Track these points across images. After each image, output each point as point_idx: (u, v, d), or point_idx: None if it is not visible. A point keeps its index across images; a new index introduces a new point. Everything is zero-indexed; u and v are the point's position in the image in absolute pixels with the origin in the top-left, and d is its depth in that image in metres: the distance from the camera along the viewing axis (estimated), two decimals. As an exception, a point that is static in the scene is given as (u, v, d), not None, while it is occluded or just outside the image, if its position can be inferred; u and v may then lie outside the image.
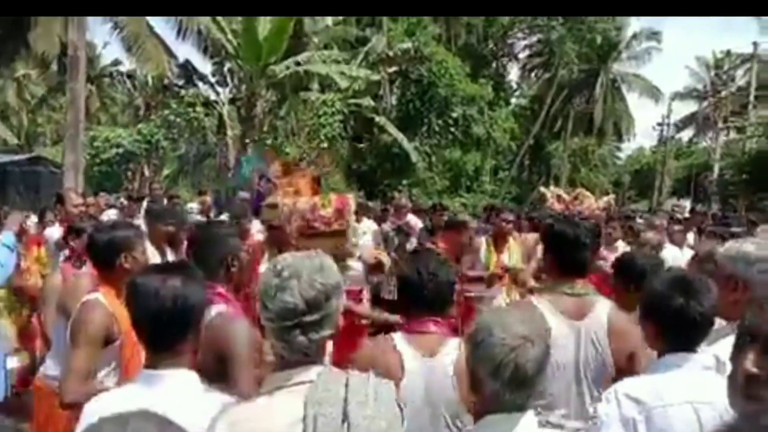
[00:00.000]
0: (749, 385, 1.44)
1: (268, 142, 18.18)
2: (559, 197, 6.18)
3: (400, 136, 19.18)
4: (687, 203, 27.05)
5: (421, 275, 2.28)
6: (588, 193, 6.42)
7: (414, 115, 21.36)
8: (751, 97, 28.21)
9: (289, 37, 15.84)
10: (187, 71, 19.29)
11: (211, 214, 8.51)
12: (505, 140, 24.12)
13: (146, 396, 1.64)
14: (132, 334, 2.34)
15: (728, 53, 35.59)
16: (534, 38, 29.59)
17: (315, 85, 18.55)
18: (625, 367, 2.49)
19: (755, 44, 29.48)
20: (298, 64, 16.22)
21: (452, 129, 21.33)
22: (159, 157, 18.11)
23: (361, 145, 21.36)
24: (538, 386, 1.58)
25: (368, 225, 7.18)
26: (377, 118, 19.52)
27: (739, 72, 35.03)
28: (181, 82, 19.41)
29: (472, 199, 21.68)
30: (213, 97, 19.23)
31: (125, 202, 7.98)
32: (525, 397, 1.59)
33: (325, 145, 17.89)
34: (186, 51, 54.74)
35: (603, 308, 2.56)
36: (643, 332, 2.12)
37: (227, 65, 19.03)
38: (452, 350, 2.27)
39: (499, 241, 5.53)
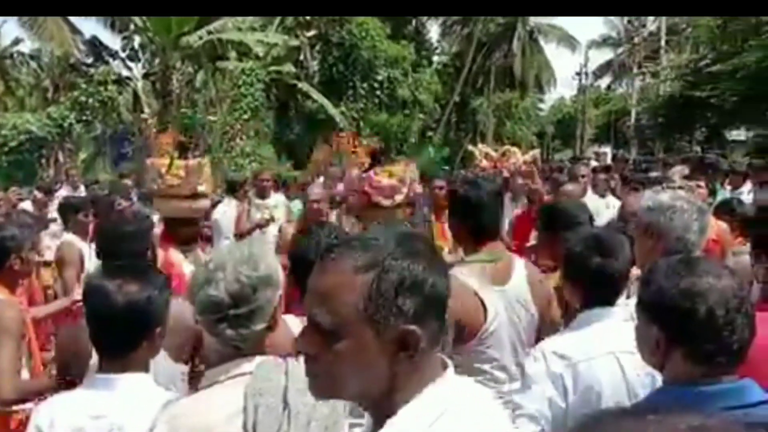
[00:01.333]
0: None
1: (188, 114, 17.63)
2: (486, 155, 6.26)
3: (326, 102, 18.93)
4: (608, 149, 28.09)
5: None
6: (515, 149, 6.50)
7: (338, 80, 21.10)
8: (662, 42, 29.24)
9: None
10: (95, 48, 18.38)
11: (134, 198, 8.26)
12: (431, 101, 24.21)
13: (98, 401, 1.62)
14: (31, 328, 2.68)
15: (638, -1, 36.64)
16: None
17: (232, 54, 17.98)
18: (545, 314, 2.58)
19: (662, -10, 30.42)
20: (211, 33, 15.64)
21: (377, 92, 21.22)
22: (73, 141, 17.24)
23: (287, 114, 21.02)
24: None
25: (281, 199, 7.05)
26: (300, 85, 19.18)
27: (650, 18, 36.20)
28: (89, 60, 18.47)
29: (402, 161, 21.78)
30: (125, 73, 18.41)
31: (38, 195, 7.58)
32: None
33: (248, 115, 17.47)
34: (91, 27, 51.47)
35: (521, 268, 2.58)
36: (565, 289, 2.21)
37: (137, 39, 18.19)
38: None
39: (438, 211, 5.38)
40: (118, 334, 1.66)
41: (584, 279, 2.08)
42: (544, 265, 2.87)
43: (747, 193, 6.66)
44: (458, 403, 1.01)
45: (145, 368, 1.72)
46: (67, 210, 4.57)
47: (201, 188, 3.51)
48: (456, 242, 2.73)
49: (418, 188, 3.95)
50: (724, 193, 4.71)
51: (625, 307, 2.10)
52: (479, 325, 2.35)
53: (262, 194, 6.67)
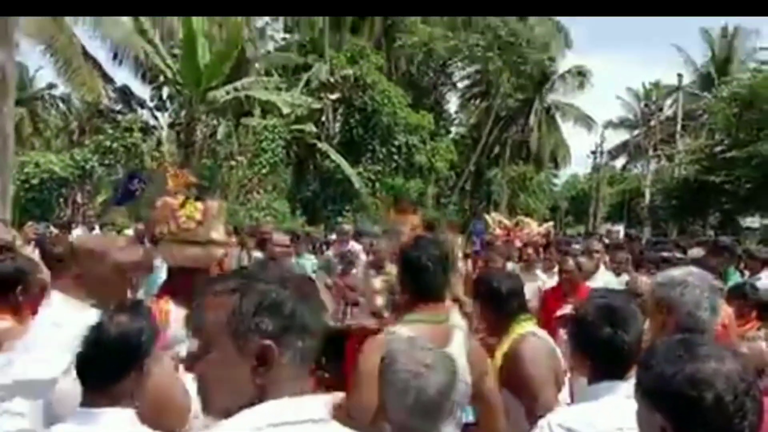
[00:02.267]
0: None
1: (208, 164, 17.94)
2: (500, 223, 6.29)
3: (343, 163, 19.24)
4: (621, 228, 28.07)
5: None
6: (528, 220, 6.56)
7: (357, 142, 21.51)
8: (678, 127, 29.63)
9: (232, 63, 15.78)
10: (125, 96, 18.92)
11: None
12: (446, 169, 24.54)
13: None
14: None
15: (657, 85, 37.40)
16: (472, 68, 30.38)
17: (257, 111, 18.45)
18: (480, 386, 2.49)
19: (680, 76, 31.10)
20: (237, 90, 16.11)
21: (395, 157, 21.55)
22: (93, 184, 17.54)
23: (304, 172, 21.34)
24: (444, 414, 1.63)
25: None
26: (320, 144, 19.55)
27: (668, 102, 36.81)
28: (118, 107, 19.01)
29: (416, 225, 21.87)
30: (152, 122, 18.89)
31: (54, 231, 7.68)
32: (431, 425, 1.63)
33: (267, 170, 17.76)
34: (124, 76, 53.54)
35: (460, 334, 2.51)
36: (572, 361, 2.17)
37: (166, 90, 18.75)
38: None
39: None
40: (107, 364, 1.68)
41: (593, 350, 2.03)
42: None
43: (765, 279, 6.61)
44: (289, 420, 1.08)
45: (131, 403, 1.71)
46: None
47: (216, 235, 3.14)
48: (406, 302, 2.60)
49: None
50: (736, 277, 4.68)
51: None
52: None
53: (263, 248, 6.27)
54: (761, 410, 1.30)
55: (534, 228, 6.10)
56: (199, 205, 3.17)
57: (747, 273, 7.00)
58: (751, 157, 18.37)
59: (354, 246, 7.76)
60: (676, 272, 2.28)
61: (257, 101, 17.41)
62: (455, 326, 2.53)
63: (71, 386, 1.74)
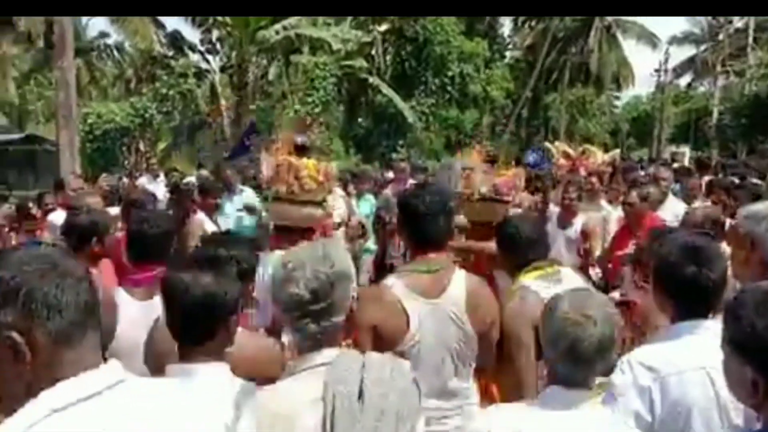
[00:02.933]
0: None
1: (261, 105, 18.04)
2: (565, 153, 6.07)
3: (395, 97, 18.96)
4: (686, 149, 27.00)
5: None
6: (594, 149, 6.31)
7: (410, 75, 21.12)
8: (750, 39, 27.84)
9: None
10: (176, 41, 19.01)
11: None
12: (502, 97, 23.91)
13: (179, 389, 1.64)
14: None
15: (725, -7, 34.99)
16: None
17: (306, 49, 18.27)
18: (485, 335, 2.44)
19: (752, -16, 28.93)
20: (286, 28, 15.92)
21: (449, 88, 21.10)
22: (153, 131, 17.96)
23: (356, 108, 21.19)
24: (597, 365, 1.67)
25: (338, 192, 6.65)
26: (371, 79, 19.29)
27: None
28: (171, 53, 19.15)
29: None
30: (204, 66, 18.99)
31: (126, 181, 7.92)
32: (583, 375, 1.68)
33: (319, 108, 17.73)
34: (174, 22, 53.72)
35: (458, 282, 2.43)
36: (655, 300, 2.12)
37: (215, 33, 18.72)
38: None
39: None
40: (196, 324, 1.75)
41: (677, 289, 1.98)
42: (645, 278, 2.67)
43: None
44: (77, 401, 1.08)
45: (223, 357, 1.78)
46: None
47: (331, 197, 3.38)
48: (408, 250, 2.63)
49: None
50: None
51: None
52: (400, 335, 2.31)
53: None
54: None
55: (599, 156, 5.88)
56: (320, 166, 3.28)
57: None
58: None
59: (411, 183, 7.71)
60: (762, 206, 2.20)
61: (306, 38, 17.21)
62: (454, 273, 2.46)
63: None
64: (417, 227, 2.46)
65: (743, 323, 1.33)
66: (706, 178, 7.71)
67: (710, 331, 1.96)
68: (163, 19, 19.82)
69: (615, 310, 1.73)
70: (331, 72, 17.78)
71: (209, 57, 19.37)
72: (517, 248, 2.74)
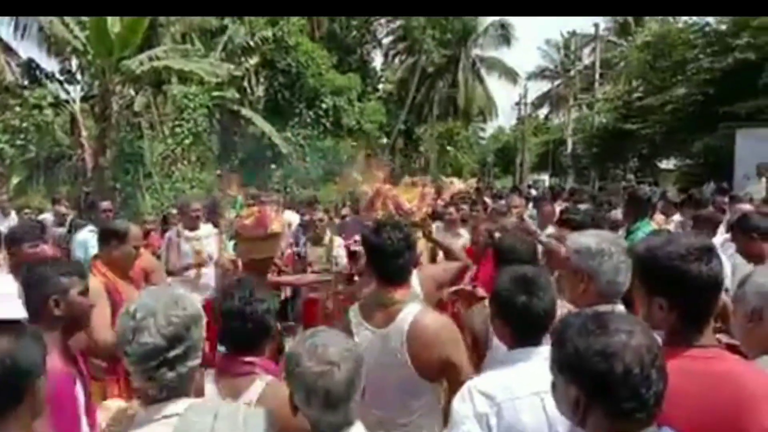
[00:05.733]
0: None
1: (128, 137, 17.21)
2: (423, 196, 6.25)
3: (269, 128, 18.84)
4: (546, 177, 28.93)
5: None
6: (451, 180, 6.53)
7: (283, 106, 21.06)
8: (597, 75, 30.48)
9: (144, 29, 15.02)
10: (31, 70, 17.76)
11: (68, 221, 7.99)
12: (376, 129, 24.46)
13: None
14: None
15: (574, 33, 38.22)
16: (395, 24, 30.16)
17: (174, 78, 17.73)
18: (424, 360, 2.49)
19: (596, 26, 31.85)
20: (152, 59, 15.39)
21: (323, 120, 21.28)
22: (5, 166, 16.56)
23: (230, 140, 20.78)
24: (351, 403, 1.64)
25: (210, 229, 6.43)
26: (243, 111, 19.05)
27: (585, 51, 37.75)
28: (25, 83, 17.85)
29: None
30: (63, 95, 17.85)
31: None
32: (342, 416, 1.64)
33: (190, 140, 17.22)
34: (28, 49, 50.29)
35: (407, 316, 2.53)
36: (494, 328, 2.26)
37: (75, 62, 17.71)
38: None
39: None
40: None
41: (510, 318, 2.13)
42: None
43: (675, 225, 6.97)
44: None
45: (29, 425, 1.61)
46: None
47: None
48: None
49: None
50: (646, 225, 4.85)
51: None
52: None
53: (192, 226, 6.11)
54: (665, 380, 1.39)
55: (456, 186, 6.12)
56: (417, 190, 3.75)
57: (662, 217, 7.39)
58: (664, 104, 19.13)
59: (286, 216, 7.66)
60: (592, 241, 2.32)
61: (174, 70, 16.71)
62: (408, 308, 2.55)
63: None
64: (382, 264, 2.60)
65: (567, 346, 1.42)
66: (560, 204, 8.32)
67: (542, 356, 2.11)
68: (18, 46, 18.50)
69: (352, 344, 1.72)
70: (202, 103, 17.37)
71: (69, 87, 18.26)
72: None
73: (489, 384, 2.05)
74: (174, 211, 9.14)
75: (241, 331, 2.11)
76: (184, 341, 1.59)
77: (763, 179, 11.92)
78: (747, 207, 6.58)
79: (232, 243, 5.37)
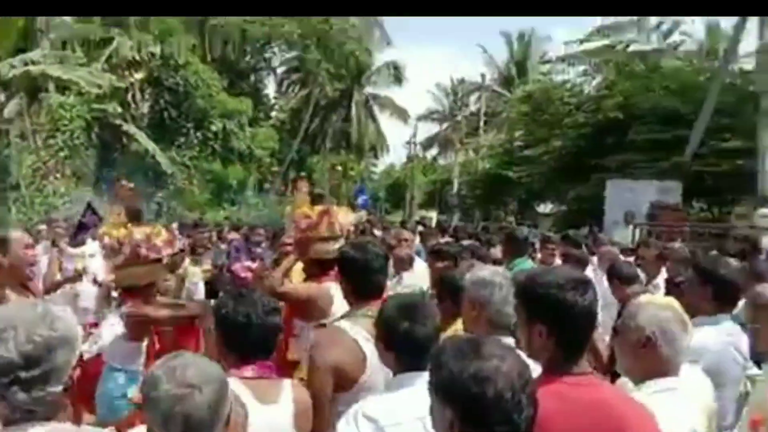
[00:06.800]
0: None
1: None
2: (306, 214, 6.18)
3: (152, 146, 18.10)
4: (434, 214, 29.83)
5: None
6: (337, 208, 6.53)
7: (169, 125, 20.40)
8: (481, 122, 32.12)
9: (19, 32, 14.06)
10: None
11: None
12: (267, 156, 24.25)
13: None
14: None
15: (462, 81, 40.13)
16: (290, 54, 30.27)
17: (51, 86, 16.67)
18: None
19: (483, 76, 33.66)
20: (28, 63, 14.40)
21: (211, 142, 20.80)
22: None
23: (110, 155, 19.74)
24: (215, 428, 1.51)
25: (96, 247, 6.30)
26: (126, 126, 18.19)
27: (473, 98, 39.72)
28: None
29: (237, 212, 21.33)
30: None
31: None
32: None
33: (65, 153, 16.18)
34: None
35: None
36: (379, 355, 2.26)
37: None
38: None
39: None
40: None
41: (394, 343, 2.14)
42: None
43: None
44: None
45: None
46: None
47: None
48: (347, 299, 2.83)
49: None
50: (525, 263, 5.12)
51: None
52: (359, 374, 2.47)
53: (75, 243, 5.88)
54: (536, 404, 1.41)
55: (343, 216, 6.11)
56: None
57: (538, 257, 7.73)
58: (542, 154, 20.44)
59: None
60: (486, 273, 2.53)
61: (51, 78, 15.72)
62: None
63: None
64: (363, 280, 2.73)
65: (443, 369, 1.43)
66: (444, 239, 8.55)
67: (426, 381, 2.12)
68: None
69: (216, 367, 1.61)
70: (79, 114, 16.42)
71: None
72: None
73: (373, 408, 2.05)
74: (43, 226, 8.52)
75: (264, 338, 2.19)
76: (43, 363, 1.45)
77: (630, 226, 12.90)
78: (610, 248, 7.09)
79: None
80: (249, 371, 2.16)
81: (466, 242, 7.23)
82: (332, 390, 2.45)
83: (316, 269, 3.64)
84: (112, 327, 3.39)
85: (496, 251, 7.53)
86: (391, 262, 5.67)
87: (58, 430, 1.50)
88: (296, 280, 4.11)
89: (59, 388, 1.49)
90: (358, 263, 2.75)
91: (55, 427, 1.50)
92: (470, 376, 1.37)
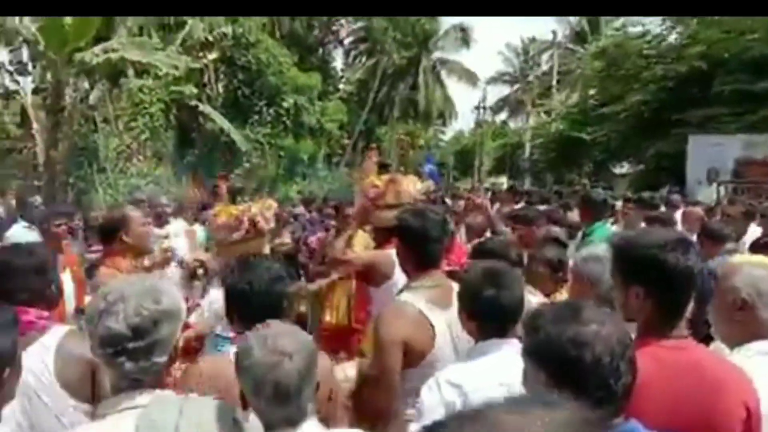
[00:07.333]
0: None
1: (82, 130, 16.76)
2: (373, 184, 6.21)
3: (227, 125, 18.58)
4: (504, 180, 29.33)
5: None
6: (403, 177, 6.51)
7: (243, 103, 20.80)
8: (554, 82, 31.06)
9: (99, 22, 14.62)
10: (-22, 59, 17.12)
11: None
12: (336, 129, 24.40)
13: None
14: None
15: (533, 39, 38.86)
16: (357, 25, 30.17)
17: (131, 72, 17.32)
18: None
19: (554, 33, 32.46)
20: (108, 51, 15.00)
21: (284, 118, 21.11)
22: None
23: (187, 136, 20.42)
24: (303, 397, 1.58)
25: (181, 226, 6.28)
26: (201, 107, 18.73)
27: (545, 57, 38.43)
28: (-28, 73, 17.20)
29: (308, 186, 21.70)
30: (12, 87, 17.25)
31: None
32: (294, 411, 1.58)
33: (146, 135, 16.85)
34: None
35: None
36: (461, 321, 2.27)
37: (26, 53, 17.14)
38: None
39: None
40: None
41: (478, 310, 2.15)
42: None
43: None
44: None
45: None
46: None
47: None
48: (403, 268, 2.75)
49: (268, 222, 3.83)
50: (604, 229, 4.90)
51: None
52: (428, 348, 2.41)
53: (159, 223, 5.89)
54: (635, 372, 1.40)
55: (410, 184, 6.09)
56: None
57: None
58: (619, 111, 19.63)
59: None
60: (599, 249, 2.46)
61: (131, 62, 16.32)
62: (454, 287, 2.55)
63: None
64: (422, 249, 2.60)
65: (540, 332, 1.43)
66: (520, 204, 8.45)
67: (510, 349, 2.14)
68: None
69: (306, 336, 1.67)
70: (159, 97, 17.02)
71: (19, 78, 17.65)
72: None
73: (457, 375, 2.08)
74: (129, 206, 8.94)
75: (268, 306, 2.07)
76: (149, 335, 1.53)
77: (714, 184, 12.32)
78: (693, 209, 6.77)
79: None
80: None
81: (541, 207, 7.09)
82: (402, 363, 2.38)
83: (381, 237, 3.62)
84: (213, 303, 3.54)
85: (572, 215, 7.37)
86: (463, 231, 5.68)
87: (163, 398, 1.57)
88: (359, 249, 4.19)
89: (164, 359, 1.57)
90: (416, 231, 2.60)
91: (160, 394, 1.57)
92: (568, 340, 1.36)
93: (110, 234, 3.54)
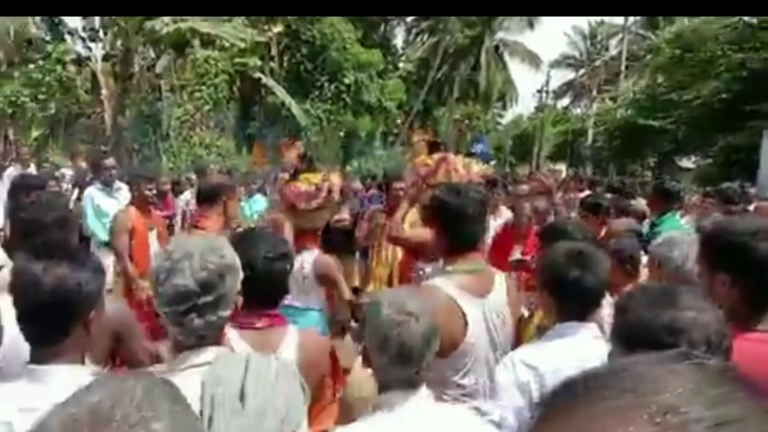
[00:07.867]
0: None
1: (148, 98, 17.21)
2: (425, 163, 6.14)
3: (288, 99, 18.74)
4: (563, 167, 28.69)
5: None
6: (458, 157, 6.37)
7: (305, 78, 20.95)
8: (623, 67, 30.04)
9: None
10: (54, 25, 17.71)
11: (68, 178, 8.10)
12: (395, 107, 24.33)
13: (29, 394, 1.49)
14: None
15: (602, 23, 37.67)
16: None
17: (197, 43, 17.64)
18: (516, 330, 2.57)
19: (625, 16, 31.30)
20: (177, 21, 15.29)
21: (344, 95, 21.15)
22: (25, 119, 16.58)
23: (250, 108, 20.72)
24: (425, 361, 1.63)
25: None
26: (264, 79, 18.94)
27: (613, 42, 37.24)
28: (48, 37, 17.81)
29: (365, 164, 21.77)
30: (84, 53, 17.81)
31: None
32: (412, 373, 1.62)
33: (209, 106, 17.17)
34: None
35: (500, 282, 2.46)
36: (540, 301, 2.21)
37: (98, 20, 17.63)
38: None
39: (392, 210, 5.40)
40: (46, 320, 1.53)
41: (560, 291, 2.07)
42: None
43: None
44: None
45: (81, 358, 1.60)
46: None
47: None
48: (438, 251, 2.51)
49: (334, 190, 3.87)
50: (674, 221, 4.71)
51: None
52: (459, 337, 2.26)
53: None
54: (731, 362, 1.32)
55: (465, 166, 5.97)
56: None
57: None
58: (690, 100, 18.84)
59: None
60: (676, 234, 2.58)
61: (198, 33, 16.61)
62: (493, 273, 2.48)
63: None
64: (455, 227, 2.37)
65: (632, 316, 1.38)
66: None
67: (589, 332, 2.08)
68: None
69: (432, 302, 1.75)
70: (223, 69, 17.29)
71: (91, 44, 18.21)
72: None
73: (532, 355, 2.05)
74: (192, 175, 9.14)
75: (268, 285, 2.02)
76: (217, 289, 1.53)
77: (788, 181, 11.73)
78: (764, 203, 6.45)
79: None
80: (252, 321, 2.00)
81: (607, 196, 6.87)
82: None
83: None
84: None
85: (637, 204, 7.14)
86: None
87: (228, 355, 1.58)
88: (406, 225, 4.16)
89: (227, 313, 1.57)
90: (452, 209, 2.35)
91: (223, 350, 1.58)
92: (663, 326, 1.31)
93: (213, 198, 3.67)
